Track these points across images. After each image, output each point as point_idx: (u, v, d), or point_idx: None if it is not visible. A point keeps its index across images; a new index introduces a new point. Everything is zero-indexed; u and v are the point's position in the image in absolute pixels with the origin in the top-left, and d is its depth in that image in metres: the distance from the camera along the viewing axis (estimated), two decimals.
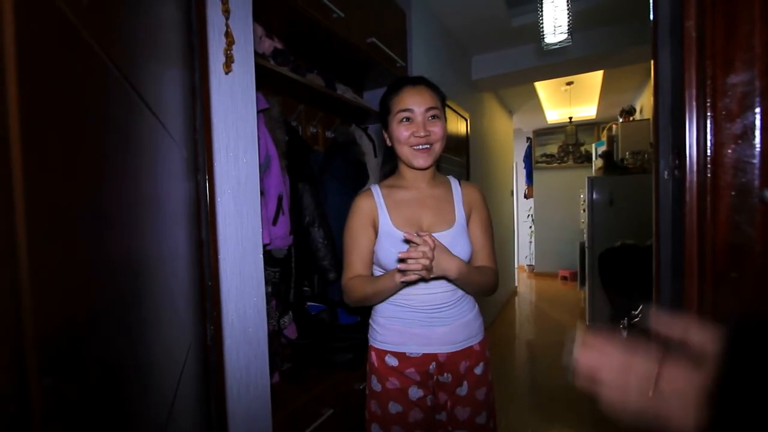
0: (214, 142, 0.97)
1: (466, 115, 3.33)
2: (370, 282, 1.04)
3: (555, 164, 6.62)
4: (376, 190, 1.12)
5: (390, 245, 1.04)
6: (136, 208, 0.45)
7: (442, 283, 1.05)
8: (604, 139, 4.92)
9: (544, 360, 3.31)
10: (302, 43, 1.63)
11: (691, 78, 0.69)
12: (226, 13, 1.01)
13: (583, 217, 4.48)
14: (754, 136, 0.62)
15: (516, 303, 5.16)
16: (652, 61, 1.10)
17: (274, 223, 1.37)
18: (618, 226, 3.70)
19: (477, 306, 1.15)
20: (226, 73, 1.02)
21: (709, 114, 0.66)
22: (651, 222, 1.14)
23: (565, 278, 6.27)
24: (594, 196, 3.88)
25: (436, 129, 1.05)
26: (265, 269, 1.16)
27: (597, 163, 4.65)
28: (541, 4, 2.23)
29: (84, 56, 0.32)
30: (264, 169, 1.34)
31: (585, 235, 4.14)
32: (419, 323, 1.05)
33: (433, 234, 1.03)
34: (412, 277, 0.89)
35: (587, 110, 5.75)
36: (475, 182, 3.48)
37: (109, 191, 0.37)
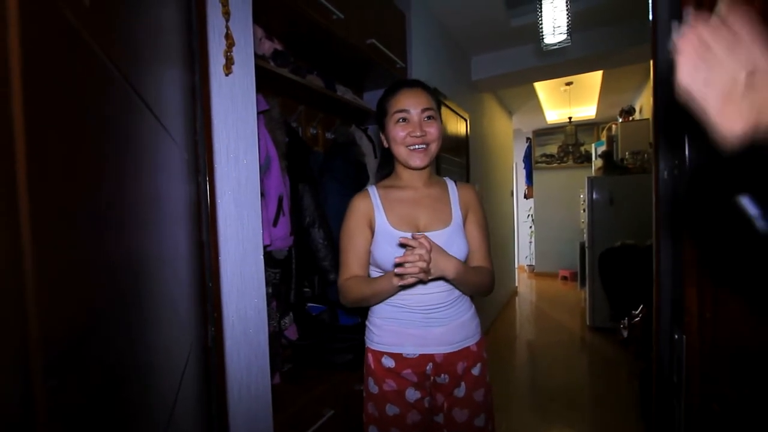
0: (214, 143, 0.98)
1: (466, 116, 3.33)
2: (367, 283, 1.04)
3: (555, 164, 6.62)
4: (372, 190, 1.12)
5: (387, 244, 1.04)
6: (137, 210, 0.45)
7: (439, 283, 1.05)
8: (603, 139, 4.93)
9: (545, 360, 3.30)
10: (302, 44, 1.63)
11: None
12: (226, 15, 1.01)
13: (583, 217, 4.48)
14: None
15: (516, 303, 5.16)
16: (651, 61, 1.10)
17: (275, 224, 1.37)
18: (618, 226, 3.71)
19: (474, 307, 1.15)
20: (227, 75, 1.03)
21: None
22: (651, 222, 1.14)
23: (565, 278, 6.27)
24: (594, 196, 3.88)
25: (432, 129, 1.06)
26: (266, 270, 1.16)
27: (597, 163, 4.66)
28: (541, 4, 2.23)
29: (85, 57, 0.33)
30: (264, 170, 1.34)
31: (585, 235, 4.14)
32: (416, 324, 1.05)
33: (429, 233, 1.03)
34: (410, 280, 0.90)
35: (587, 110, 5.76)
36: (475, 183, 3.50)
37: (111, 192, 0.38)
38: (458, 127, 3.19)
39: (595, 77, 4.31)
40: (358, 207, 1.09)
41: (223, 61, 1.01)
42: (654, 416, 1.16)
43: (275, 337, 1.40)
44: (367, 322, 1.14)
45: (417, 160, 1.06)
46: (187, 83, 0.79)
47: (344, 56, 1.79)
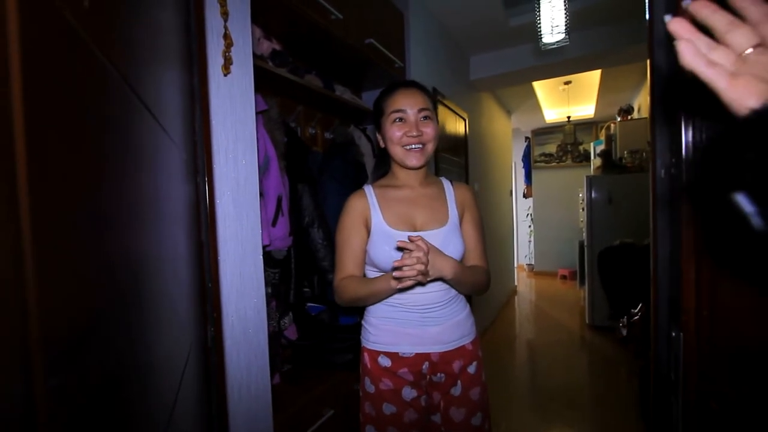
0: (213, 143, 0.98)
1: (465, 115, 3.33)
2: (364, 284, 1.05)
3: (554, 163, 6.63)
4: (368, 189, 1.13)
5: (383, 244, 1.04)
6: (136, 210, 0.45)
7: (436, 282, 1.05)
8: (602, 138, 4.93)
9: (544, 359, 3.31)
10: (300, 44, 1.63)
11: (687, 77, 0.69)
12: (225, 15, 1.01)
13: (582, 216, 4.49)
14: None
15: (516, 302, 5.17)
16: (648, 60, 1.10)
17: (274, 224, 1.37)
18: (617, 224, 3.71)
19: (469, 306, 1.16)
20: (225, 75, 1.03)
21: None
22: (649, 220, 1.14)
23: (564, 277, 6.28)
24: (593, 195, 3.88)
25: (428, 129, 1.07)
26: (265, 270, 1.16)
27: (595, 162, 4.67)
28: (539, 4, 2.24)
29: (84, 58, 0.33)
30: (263, 170, 1.34)
31: (584, 234, 4.15)
32: (412, 323, 1.06)
33: (426, 232, 1.04)
34: (408, 282, 0.90)
35: (585, 109, 5.77)
36: (474, 182, 3.50)
37: (110, 192, 0.38)
38: (457, 126, 3.19)
39: (594, 76, 4.32)
40: (354, 206, 1.09)
41: (222, 61, 1.01)
42: (652, 414, 1.16)
43: (275, 337, 1.40)
44: (363, 322, 1.14)
45: (413, 160, 1.07)
46: (185, 84, 0.79)
47: (343, 56, 1.79)
